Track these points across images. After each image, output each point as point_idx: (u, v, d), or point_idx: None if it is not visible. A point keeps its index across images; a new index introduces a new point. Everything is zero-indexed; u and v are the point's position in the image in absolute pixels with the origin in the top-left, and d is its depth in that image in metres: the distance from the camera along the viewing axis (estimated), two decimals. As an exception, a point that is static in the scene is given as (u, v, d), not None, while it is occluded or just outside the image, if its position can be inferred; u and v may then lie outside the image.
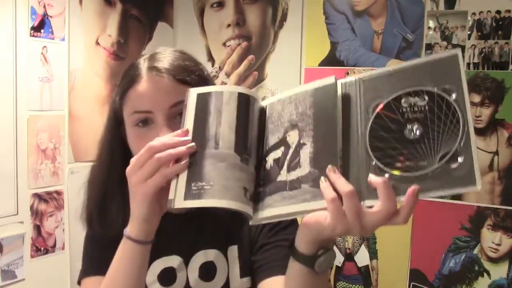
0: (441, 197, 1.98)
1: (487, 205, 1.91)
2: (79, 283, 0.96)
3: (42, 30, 1.83)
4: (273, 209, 0.66)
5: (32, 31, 1.79)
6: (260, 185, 0.70)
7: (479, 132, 1.92)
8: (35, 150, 1.83)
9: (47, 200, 1.88)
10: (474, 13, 1.90)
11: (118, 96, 0.87)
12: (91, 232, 0.97)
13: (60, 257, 1.94)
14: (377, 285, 2.11)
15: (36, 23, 1.80)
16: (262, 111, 0.76)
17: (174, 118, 0.83)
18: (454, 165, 0.58)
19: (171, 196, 0.68)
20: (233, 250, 0.92)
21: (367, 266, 2.12)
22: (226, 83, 2.38)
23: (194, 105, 0.75)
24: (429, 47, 1.98)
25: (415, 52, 2.01)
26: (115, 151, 0.89)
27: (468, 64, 1.92)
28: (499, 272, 1.90)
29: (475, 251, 1.94)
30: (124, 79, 0.87)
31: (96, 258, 0.94)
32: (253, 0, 2.31)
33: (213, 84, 0.91)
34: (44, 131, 1.86)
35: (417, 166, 0.59)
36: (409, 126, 0.61)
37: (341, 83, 0.69)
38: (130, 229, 0.75)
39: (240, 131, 0.72)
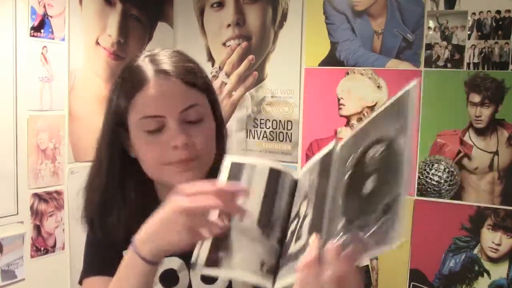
0: (440, 197, 1.98)
1: (487, 205, 1.91)
2: (80, 283, 0.96)
3: (42, 30, 1.83)
4: (281, 281, 0.67)
5: (32, 31, 1.79)
6: (281, 257, 0.71)
7: (479, 132, 1.92)
8: (35, 150, 1.83)
9: (47, 200, 1.88)
10: (474, 13, 1.90)
11: (123, 100, 0.84)
12: (92, 233, 0.97)
13: (60, 257, 1.94)
14: (377, 285, 2.11)
15: (36, 23, 1.80)
16: (295, 183, 0.77)
17: (184, 122, 0.83)
18: (384, 220, 0.54)
19: (193, 259, 0.69)
20: None
21: (367, 266, 2.12)
22: (226, 83, 2.38)
23: (227, 173, 0.76)
24: (429, 47, 1.98)
25: (415, 52, 2.01)
26: (115, 155, 0.88)
27: (468, 64, 1.92)
28: (499, 272, 1.90)
29: (475, 251, 1.94)
30: (127, 82, 0.85)
31: (98, 259, 0.94)
32: (253, 0, 2.31)
33: (211, 84, 0.91)
34: (44, 131, 1.86)
35: (366, 224, 0.56)
36: (368, 180, 0.59)
37: (339, 145, 0.70)
38: (143, 248, 0.71)
39: (265, 206, 0.73)
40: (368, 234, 0.55)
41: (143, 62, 0.85)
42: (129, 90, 0.84)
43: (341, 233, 0.59)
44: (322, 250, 0.59)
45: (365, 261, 2.12)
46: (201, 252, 0.69)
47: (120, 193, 0.89)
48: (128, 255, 0.74)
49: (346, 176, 0.64)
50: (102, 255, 0.92)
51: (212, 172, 0.91)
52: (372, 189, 0.58)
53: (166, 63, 0.84)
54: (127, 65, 0.88)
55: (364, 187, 0.59)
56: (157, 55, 0.87)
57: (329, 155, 0.71)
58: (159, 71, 0.83)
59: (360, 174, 0.61)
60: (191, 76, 0.84)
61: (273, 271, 0.69)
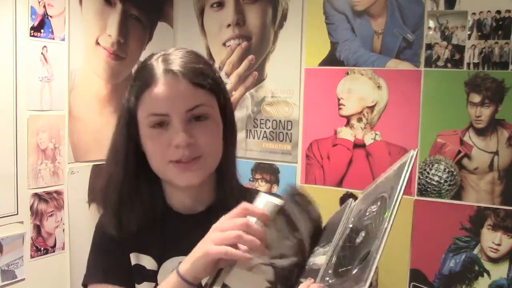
0: (440, 197, 1.98)
1: (487, 205, 1.91)
2: (85, 286, 0.96)
3: (42, 30, 1.83)
4: None
5: (32, 31, 1.79)
6: None
7: (479, 132, 1.92)
8: (35, 150, 1.83)
9: (47, 200, 1.88)
10: (474, 13, 1.90)
11: (133, 96, 0.87)
12: (101, 231, 0.96)
13: (60, 257, 1.94)
14: (377, 285, 2.11)
15: (36, 23, 1.80)
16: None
17: (190, 122, 0.84)
18: (359, 268, 0.60)
19: (208, 280, 0.74)
20: None
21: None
22: (226, 83, 2.37)
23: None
24: (429, 47, 1.98)
25: (415, 52, 2.01)
26: (130, 150, 0.89)
27: (468, 64, 1.92)
28: (499, 272, 1.90)
29: (475, 251, 1.94)
30: (137, 79, 0.87)
31: (106, 265, 0.94)
32: (253, 0, 2.31)
33: (223, 85, 0.93)
34: (44, 131, 1.86)
35: (348, 270, 0.63)
36: (360, 233, 0.67)
37: (352, 202, 0.80)
38: (184, 268, 0.76)
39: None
40: (347, 279, 0.62)
41: (155, 62, 0.87)
42: (139, 88, 0.86)
43: (329, 275, 0.66)
44: None
45: None
46: (219, 279, 0.74)
47: (135, 188, 0.90)
48: (172, 277, 0.78)
49: (349, 228, 0.72)
50: (110, 261, 0.93)
51: (219, 172, 0.92)
52: (360, 241, 0.65)
53: (176, 63, 0.85)
54: (142, 63, 0.90)
55: (357, 239, 0.67)
56: (170, 54, 0.88)
57: (344, 208, 0.81)
58: (167, 71, 0.84)
59: (356, 227, 0.69)
60: (200, 77, 0.85)
61: None
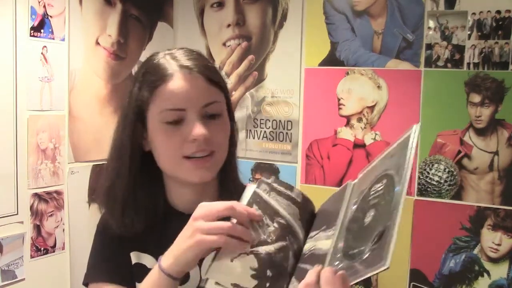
0: (440, 197, 1.98)
1: (487, 205, 1.91)
2: (86, 285, 0.96)
3: (42, 30, 1.83)
4: None
5: (32, 31, 1.79)
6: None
7: (479, 132, 1.92)
8: (35, 150, 1.83)
9: (47, 200, 1.88)
10: (474, 13, 1.90)
11: (146, 91, 0.85)
12: (102, 231, 0.96)
13: (60, 257, 1.94)
14: (377, 285, 2.11)
15: (36, 23, 1.80)
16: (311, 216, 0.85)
17: (204, 118, 0.85)
18: (375, 248, 0.59)
19: (205, 262, 0.76)
20: None
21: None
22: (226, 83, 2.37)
23: (247, 199, 0.80)
24: (429, 47, 1.98)
25: (415, 52, 2.01)
26: (135, 147, 0.88)
27: (468, 64, 1.92)
28: (499, 272, 1.90)
29: (475, 251, 1.94)
30: (148, 75, 0.86)
31: (107, 263, 0.94)
32: (253, 0, 2.31)
33: (226, 84, 0.94)
34: (44, 131, 1.86)
35: (360, 251, 0.63)
36: (368, 213, 0.66)
37: (353, 183, 0.78)
38: (167, 264, 0.76)
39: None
40: (360, 260, 0.61)
41: (164, 59, 0.87)
42: (152, 83, 0.85)
43: (339, 259, 0.65)
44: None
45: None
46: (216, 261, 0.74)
47: (139, 187, 0.89)
48: (154, 273, 0.78)
49: (353, 209, 0.71)
50: (111, 261, 0.93)
51: (222, 171, 0.93)
52: (370, 221, 0.64)
53: (188, 60, 0.86)
54: (148, 60, 0.89)
55: (365, 219, 0.65)
56: (177, 52, 0.89)
57: (343, 190, 0.79)
58: (182, 66, 0.85)
59: (362, 207, 0.67)
60: (213, 74, 0.87)
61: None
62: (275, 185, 0.80)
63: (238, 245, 0.72)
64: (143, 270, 0.92)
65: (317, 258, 0.70)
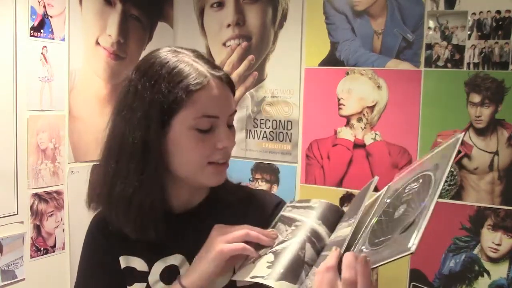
0: (440, 197, 1.98)
1: (487, 205, 1.91)
2: None
3: (42, 30, 1.83)
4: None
5: (32, 31, 1.79)
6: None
7: (479, 132, 1.92)
8: (35, 150, 1.83)
9: (47, 200, 1.88)
10: (474, 13, 1.90)
11: (183, 94, 0.82)
12: (91, 238, 0.98)
13: (60, 257, 1.94)
14: (377, 285, 2.11)
15: (36, 23, 1.80)
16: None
17: (228, 126, 0.89)
18: (402, 235, 0.62)
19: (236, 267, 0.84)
20: None
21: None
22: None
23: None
24: (429, 47, 1.98)
25: (415, 52, 2.01)
26: (146, 149, 0.84)
27: (468, 64, 1.92)
28: (499, 272, 1.90)
29: (475, 251, 1.94)
30: (178, 77, 0.83)
31: (96, 279, 0.95)
32: (253, 0, 2.31)
33: None
34: (44, 131, 1.86)
35: (386, 239, 0.66)
36: (399, 207, 0.69)
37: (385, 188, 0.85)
38: (188, 280, 0.83)
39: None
40: (385, 247, 0.63)
41: (186, 63, 0.85)
42: (187, 87, 0.82)
43: (364, 246, 0.69)
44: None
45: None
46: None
47: (140, 186, 0.85)
48: None
49: (385, 204, 0.76)
50: (100, 274, 0.95)
51: None
52: (401, 214, 0.67)
53: (214, 68, 0.88)
54: (169, 60, 0.85)
55: (395, 213, 0.69)
56: (192, 54, 0.88)
57: (366, 187, 0.88)
58: (214, 75, 0.87)
59: (394, 203, 0.72)
60: (233, 85, 0.92)
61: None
62: (297, 204, 0.92)
63: (254, 252, 0.82)
64: (133, 273, 0.92)
65: (336, 244, 0.75)
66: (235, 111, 0.91)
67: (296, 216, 0.87)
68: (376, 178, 0.87)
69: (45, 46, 1.84)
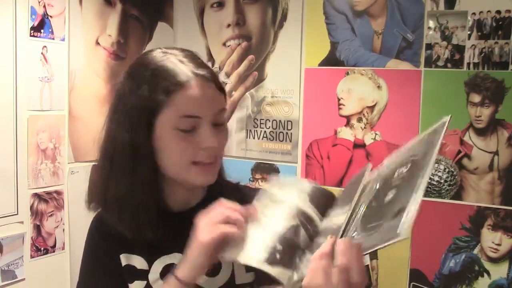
0: (440, 197, 1.98)
1: (487, 205, 1.91)
2: None
3: (42, 30, 1.83)
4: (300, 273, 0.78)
5: (32, 31, 1.79)
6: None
7: (479, 132, 1.92)
8: (35, 150, 1.83)
9: (47, 200, 1.88)
10: (474, 13, 1.90)
11: (160, 96, 0.84)
12: (92, 238, 0.98)
13: (60, 257, 1.94)
14: (377, 285, 2.11)
15: (36, 23, 1.80)
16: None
17: (214, 125, 0.87)
18: (392, 221, 0.62)
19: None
20: None
21: (367, 266, 2.12)
22: (226, 83, 2.38)
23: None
24: (429, 47, 1.98)
25: (415, 52, 2.01)
26: (133, 147, 0.86)
27: (468, 64, 1.92)
28: (499, 272, 1.90)
29: (475, 251, 1.94)
30: (160, 78, 0.85)
31: (97, 278, 0.96)
32: (253, 0, 2.31)
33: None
34: (44, 131, 1.86)
35: (378, 225, 0.66)
36: (388, 193, 0.70)
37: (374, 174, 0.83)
38: (182, 273, 0.82)
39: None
40: (376, 233, 0.64)
41: (171, 62, 0.86)
42: (167, 87, 0.84)
43: (355, 231, 0.69)
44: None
45: (368, 256, 2.13)
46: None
47: (137, 189, 0.88)
48: (168, 284, 0.84)
49: (375, 189, 0.76)
50: (101, 274, 0.95)
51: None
52: (390, 199, 0.67)
53: (199, 67, 0.87)
54: (151, 61, 0.87)
55: (385, 198, 0.69)
56: (179, 54, 0.88)
57: (362, 172, 0.85)
58: (196, 74, 0.86)
59: (384, 188, 0.72)
60: (220, 82, 0.90)
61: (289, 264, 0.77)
62: (283, 181, 0.89)
63: (238, 232, 0.79)
64: (133, 271, 0.93)
65: (331, 231, 0.75)
66: (224, 109, 0.89)
67: (286, 196, 0.85)
68: (370, 165, 0.86)
69: (45, 46, 1.84)
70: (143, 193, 0.88)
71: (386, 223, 0.63)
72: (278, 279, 0.74)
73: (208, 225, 0.80)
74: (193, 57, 0.89)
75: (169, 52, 0.89)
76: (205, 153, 0.86)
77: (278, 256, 0.75)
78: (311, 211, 0.83)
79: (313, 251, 0.74)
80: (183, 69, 0.85)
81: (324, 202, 0.86)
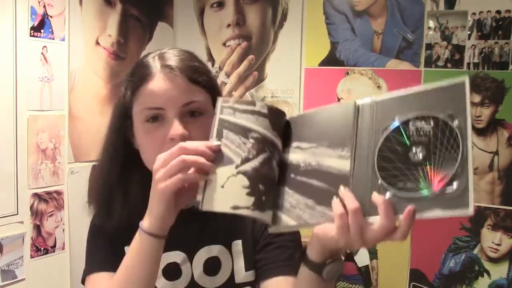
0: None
1: (487, 205, 1.91)
2: (83, 281, 0.97)
3: (42, 30, 1.83)
4: (285, 220, 0.73)
5: (32, 31, 1.79)
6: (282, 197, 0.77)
7: (479, 132, 1.92)
8: (35, 150, 1.83)
9: (47, 200, 1.88)
10: (474, 13, 1.90)
11: (130, 91, 0.88)
12: (95, 228, 0.98)
13: (60, 257, 1.94)
14: (377, 285, 2.11)
15: (36, 23, 1.80)
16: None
17: (185, 117, 0.85)
18: (450, 189, 0.63)
19: (198, 198, 0.73)
20: (238, 245, 0.94)
21: (367, 266, 2.12)
22: (226, 83, 2.38)
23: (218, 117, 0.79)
24: (429, 47, 1.98)
25: (415, 52, 2.01)
26: (118, 145, 0.91)
27: (468, 64, 1.92)
28: (499, 272, 1.90)
29: (475, 251, 1.94)
30: (134, 75, 0.88)
31: (101, 255, 0.95)
32: (253, 0, 2.31)
33: (218, 85, 0.94)
34: (44, 131, 1.86)
35: (417, 187, 0.63)
36: (414, 149, 0.65)
37: (358, 105, 0.73)
38: (146, 223, 0.78)
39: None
40: (430, 199, 0.62)
41: (152, 59, 0.88)
42: (135, 83, 0.87)
43: (385, 191, 0.64)
44: (362, 200, 0.65)
45: (368, 256, 2.12)
46: (207, 191, 0.73)
47: (123, 181, 0.91)
48: (137, 237, 0.80)
49: (383, 138, 0.68)
50: (105, 251, 0.94)
51: None
52: (421, 159, 0.64)
53: (173, 60, 0.87)
54: (138, 61, 0.91)
55: (411, 155, 0.65)
56: (166, 52, 0.90)
57: (347, 110, 0.74)
58: (164, 66, 0.86)
59: (400, 142, 0.67)
60: (196, 74, 0.87)
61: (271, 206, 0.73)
62: (236, 105, 0.79)
63: (200, 176, 0.73)
64: None
65: (334, 178, 0.69)
66: (195, 101, 0.85)
67: (247, 124, 0.77)
68: (356, 103, 0.74)
69: (45, 46, 1.84)
70: (131, 191, 0.91)
71: (432, 189, 0.62)
72: (267, 223, 0.72)
73: (163, 171, 0.75)
74: (180, 53, 0.90)
75: (153, 52, 0.91)
76: (172, 145, 0.82)
77: (264, 198, 0.72)
78: (274, 138, 0.78)
79: (301, 190, 0.71)
80: (155, 63, 0.86)
81: (281, 125, 0.82)
